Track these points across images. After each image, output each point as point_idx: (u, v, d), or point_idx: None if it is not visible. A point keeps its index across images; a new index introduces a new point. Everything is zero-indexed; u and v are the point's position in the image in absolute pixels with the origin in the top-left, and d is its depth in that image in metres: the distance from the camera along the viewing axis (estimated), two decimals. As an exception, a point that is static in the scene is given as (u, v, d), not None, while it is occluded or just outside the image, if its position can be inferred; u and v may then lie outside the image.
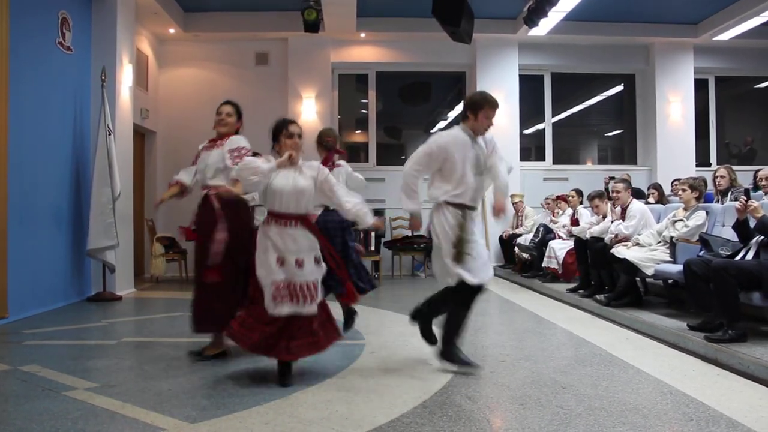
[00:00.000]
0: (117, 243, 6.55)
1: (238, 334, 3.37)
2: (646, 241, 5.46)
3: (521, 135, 9.83)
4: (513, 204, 9.14)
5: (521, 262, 8.56)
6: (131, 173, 7.52)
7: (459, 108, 10.33)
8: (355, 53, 9.74)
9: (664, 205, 6.65)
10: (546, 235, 7.78)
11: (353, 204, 3.51)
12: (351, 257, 4.55)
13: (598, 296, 5.82)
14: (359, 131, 10.38)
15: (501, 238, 9.26)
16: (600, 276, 6.10)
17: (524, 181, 9.66)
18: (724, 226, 5.14)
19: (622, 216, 5.89)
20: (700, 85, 10.16)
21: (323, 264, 3.50)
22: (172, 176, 4.28)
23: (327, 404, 3.05)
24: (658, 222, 5.75)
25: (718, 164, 9.11)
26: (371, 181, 9.60)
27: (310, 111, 9.35)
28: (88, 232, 6.43)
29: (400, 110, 10.75)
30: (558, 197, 8.24)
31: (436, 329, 3.83)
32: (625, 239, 5.65)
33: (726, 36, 9.29)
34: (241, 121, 4.28)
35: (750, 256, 4.13)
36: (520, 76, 9.74)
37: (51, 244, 6.08)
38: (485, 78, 9.64)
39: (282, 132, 3.49)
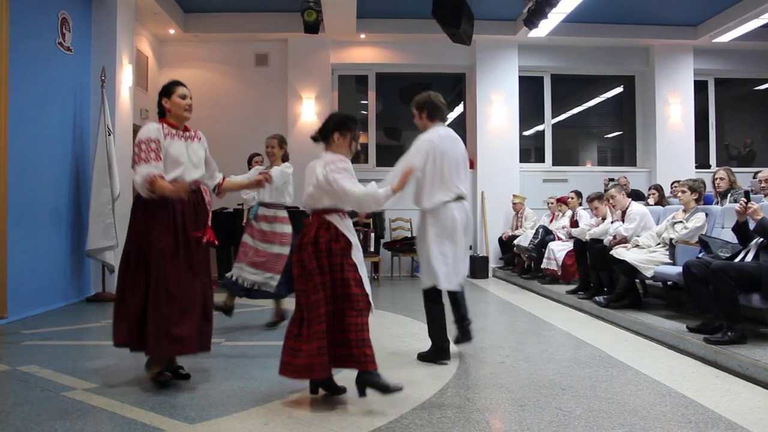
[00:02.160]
0: (116, 243, 6.53)
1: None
2: (646, 243, 5.46)
3: (521, 136, 9.83)
4: (513, 205, 9.15)
5: (521, 263, 8.55)
6: (131, 173, 7.52)
7: (459, 109, 10.35)
8: (354, 54, 9.74)
9: (663, 206, 6.65)
10: (545, 236, 7.78)
11: None
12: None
13: (597, 298, 5.82)
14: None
15: (500, 239, 9.26)
16: (599, 278, 6.10)
17: (523, 183, 9.66)
18: (723, 227, 5.14)
19: (622, 218, 5.89)
20: (700, 87, 10.16)
21: None
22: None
23: (326, 405, 3.05)
24: (657, 224, 5.76)
25: (717, 166, 9.12)
26: (372, 183, 9.64)
27: (310, 112, 9.36)
28: (88, 232, 6.42)
29: (400, 111, 10.73)
30: (558, 200, 8.25)
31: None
32: (625, 241, 5.65)
33: (726, 38, 9.29)
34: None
35: (749, 258, 4.14)
36: (519, 77, 9.75)
37: (50, 244, 6.08)
38: (485, 79, 9.66)
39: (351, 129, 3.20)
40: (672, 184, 7.97)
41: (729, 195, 6.03)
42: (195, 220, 3.42)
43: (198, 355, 3.47)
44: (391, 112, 10.57)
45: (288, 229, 5.00)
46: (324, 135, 3.17)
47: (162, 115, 3.57)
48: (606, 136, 11.07)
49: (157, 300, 3.21)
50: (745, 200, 4.04)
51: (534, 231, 8.11)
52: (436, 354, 3.93)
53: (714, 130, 10.38)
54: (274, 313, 5.14)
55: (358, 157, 10.09)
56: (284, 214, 5.03)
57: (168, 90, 3.54)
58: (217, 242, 3.50)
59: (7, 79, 5.22)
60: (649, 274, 5.24)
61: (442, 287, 3.85)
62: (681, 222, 5.28)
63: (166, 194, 3.30)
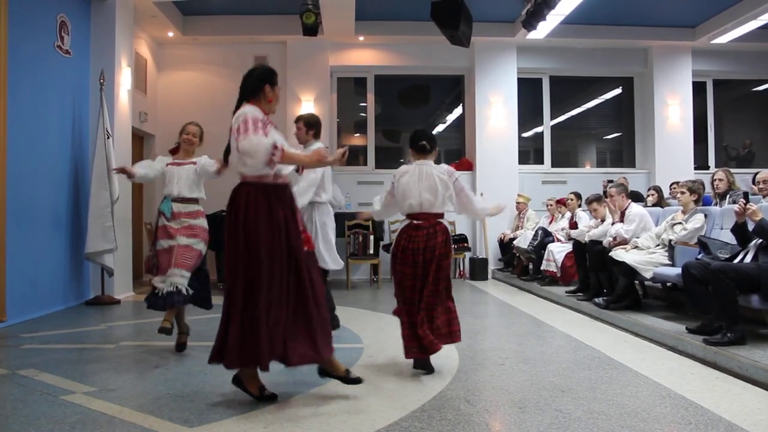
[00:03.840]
0: (115, 246, 6.55)
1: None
2: (645, 244, 5.46)
3: (520, 138, 9.83)
4: (517, 205, 9.13)
5: (521, 264, 8.55)
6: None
7: (458, 111, 10.36)
8: (353, 56, 9.75)
9: (662, 207, 6.65)
10: (545, 238, 7.78)
11: None
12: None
13: (596, 299, 5.82)
14: (358, 134, 10.39)
15: (500, 241, 9.24)
16: (599, 279, 6.11)
17: (523, 184, 9.65)
18: (722, 229, 5.14)
19: (621, 219, 5.89)
20: (699, 88, 10.17)
21: None
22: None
23: (326, 408, 3.05)
24: (656, 225, 5.76)
25: (716, 167, 9.13)
26: (371, 185, 9.65)
27: (309, 114, 9.35)
28: (87, 235, 6.42)
29: (399, 113, 10.75)
30: (557, 201, 8.24)
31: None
32: (624, 242, 5.65)
33: (724, 39, 9.30)
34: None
35: (748, 259, 4.14)
36: (518, 79, 9.75)
37: (49, 247, 6.08)
38: (484, 81, 9.66)
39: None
40: (671, 185, 7.98)
41: (728, 196, 6.03)
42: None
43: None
44: (390, 114, 10.58)
45: (206, 223, 4.47)
46: (432, 149, 3.83)
47: (255, 96, 3.07)
48: (605, 138, 11.08)
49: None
50: (744, 201, 4.05)
51: (533, 232, 8.11)
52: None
53: (713, 131, 10.39)
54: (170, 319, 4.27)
55: (358, 159, 10.09)
56: (201, 208, 4.48)
57: (274, 78, 3.11)
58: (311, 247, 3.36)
59: (6, 82, 5.22)
60: (648, 275, 5.24)
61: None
62: (680, 223, 5.29)
63: (300, 162, 3.10)
